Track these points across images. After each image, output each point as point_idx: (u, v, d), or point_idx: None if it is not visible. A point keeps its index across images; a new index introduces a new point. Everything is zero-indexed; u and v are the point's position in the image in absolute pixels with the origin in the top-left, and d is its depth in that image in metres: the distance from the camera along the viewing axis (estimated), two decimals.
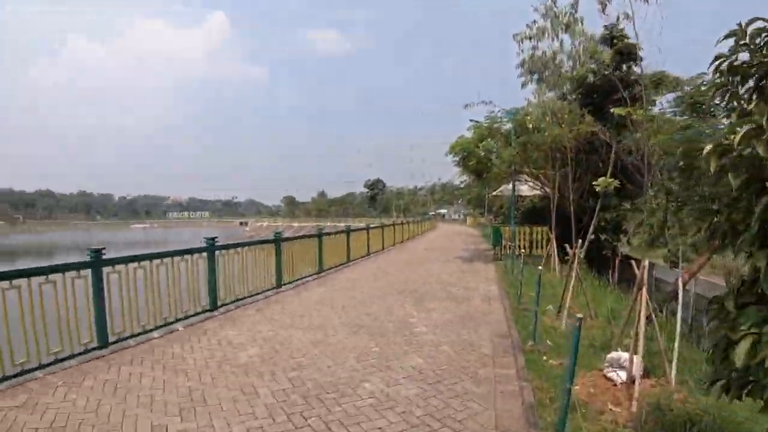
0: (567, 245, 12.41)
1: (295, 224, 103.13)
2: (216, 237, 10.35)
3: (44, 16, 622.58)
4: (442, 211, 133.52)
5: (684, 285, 8.33)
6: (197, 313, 9.60)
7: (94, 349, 7.22)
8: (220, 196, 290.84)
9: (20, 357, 6.11)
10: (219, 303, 10.29)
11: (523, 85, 20.02)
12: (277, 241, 13.07)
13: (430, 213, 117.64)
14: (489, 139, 20.44)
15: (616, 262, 16.31)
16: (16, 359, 6.07)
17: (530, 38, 17.09)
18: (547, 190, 21.20)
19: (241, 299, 11.04)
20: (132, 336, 7.91)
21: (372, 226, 26.66)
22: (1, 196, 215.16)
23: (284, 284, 13.10)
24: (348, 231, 19.55)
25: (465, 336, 8.36)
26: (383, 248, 26.22)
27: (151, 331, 8.29)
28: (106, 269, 7.48)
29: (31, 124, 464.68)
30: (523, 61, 19.21)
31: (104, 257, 7.49)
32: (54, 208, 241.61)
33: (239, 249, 11.23)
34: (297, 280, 14.06)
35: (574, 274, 9.54)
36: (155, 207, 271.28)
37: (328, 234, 17.31)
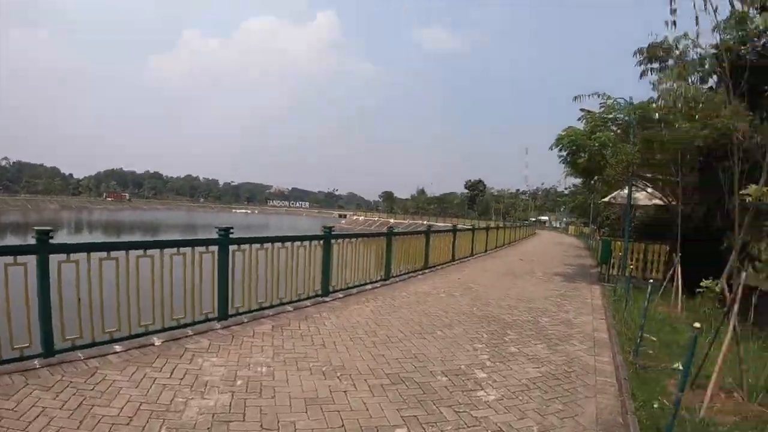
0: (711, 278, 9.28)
1: (392, 220, 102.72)
2: (333, 226, 11.16)
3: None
4: (544, 218, 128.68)
5: None
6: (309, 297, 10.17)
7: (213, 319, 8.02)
8: (323, 188, 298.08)
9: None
10: (331, 289, 10.81)
11: (642, 75, 16.54)
12: (389, 235, 13.48)
13: (531, 219, 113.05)
14: (604, 131, 16.92)
15: (752, 296, 12.55)
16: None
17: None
18: (669, 199, 17.43)
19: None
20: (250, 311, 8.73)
21: (461, 227, 23.78)
22: (111, 176, 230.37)
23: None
24: (427, 233, 16.70)
25: (554, 418, 5.41)
26: (472, 253, 23.18)
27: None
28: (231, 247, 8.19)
29: (151, 114, 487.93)
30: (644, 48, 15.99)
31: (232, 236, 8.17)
32: (161, 189, 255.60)
33: (352, 240, 11.75)
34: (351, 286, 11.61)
35: (730, 330, 6.32)
36: (259, 194, 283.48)
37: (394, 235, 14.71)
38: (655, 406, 5.94)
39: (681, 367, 7.32)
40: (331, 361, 6.64)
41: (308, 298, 10.19)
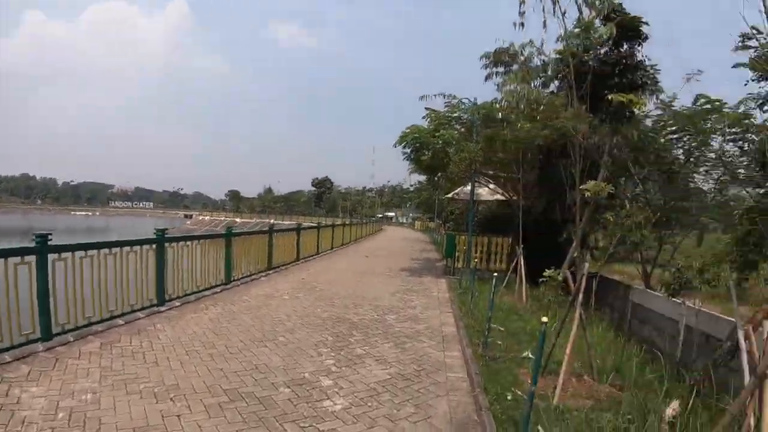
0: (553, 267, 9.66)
1: (238, 220, 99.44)
2: (167, 228, 10.26)
3: None
4: (390, 214, 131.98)
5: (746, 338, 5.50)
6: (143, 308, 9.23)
7: None
8: (168, 187, 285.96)
9: None
10: (167, 297, 9.90)
11: (487, 78, 17.22)
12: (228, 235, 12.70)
13: (378, 215, 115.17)
14: (448, 129, 17.32)
15: (593, 283, 13.38)
16: None
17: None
18: (510, 195, 18.24)
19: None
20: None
21: (304, 225, 23.37)
22: None
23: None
24: (270, 232, 16.15)
25: (406, 423, 5.18)
26: (318, 252, 22.85)
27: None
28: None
29: None
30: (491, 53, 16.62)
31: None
32: None
33: (188, 242, 10.80)
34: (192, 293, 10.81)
35: (576, 318, 6.52)
36: (100, 194, 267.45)
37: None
38: (509, 398, 5.96)
39: (531, 356, 7.53)
40: (164, 381, 5.90)
41: (142, 308, 9.22)
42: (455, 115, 17.85)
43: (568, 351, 6.33)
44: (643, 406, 5.62)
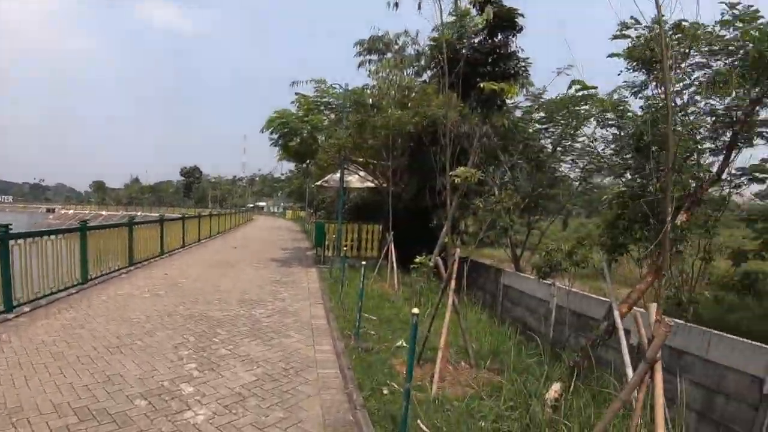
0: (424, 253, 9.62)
1: (104, 212, 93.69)
2: (10, 224, 8.75)
3: None
4: (262, 203, 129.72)
5: (622, 317, 5.77)
6: None
7: None
8: (29, 179, 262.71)
9: None
10: (15, 303, 8.71)
11: (360, 65, 17.42)
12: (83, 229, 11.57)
13: (249, 205, 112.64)
14: (317, 114, 16.86)
15: (464, 267, 13.58)
16: None
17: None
18: (381, 182, 18.12)
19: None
20: None
21: (169, 216, 22.08)
22: None
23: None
24: (130, 225, 15.03)
25: (275, 430, 4.79)
26: (184, 245, 21.66)
27: None
28: None
29: None
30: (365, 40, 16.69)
31: None
32: None
33: (37, 239, 9.55)
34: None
35: (449, 305, 6.37)
36: None
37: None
38: (386, 392, 5.72)
39: (405, 344, 7.36)
40: (7, 402, 5.06)
41: None
42: (325, 100, 17.42)
43: (442, 340, 6.18)
44: (523, 391, 5.57)
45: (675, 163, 5.88)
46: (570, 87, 10.84)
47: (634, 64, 6.76)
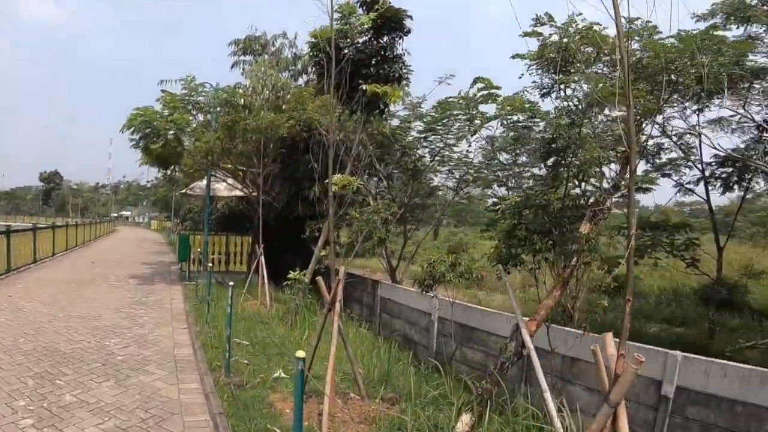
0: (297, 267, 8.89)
1: None
2: None
3: None
4: (126, 213, 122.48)
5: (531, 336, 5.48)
6: None
7: None
8: None
9: None
10: None
11: (234, 65, 17.14)
12: None
13: (113, 215, 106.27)
14: (182, 113, 15.28)
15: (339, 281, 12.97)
16: None
17: None
18: (251, 190, 16.95)
19: None
20: None
21: (14, 228, 19.55)
22: None
23: None
24: None
25: None
26: (35, 260, 19.14)
27: None
28: None
29: None
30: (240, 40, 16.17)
31: None
32: None
33: None
34: None
35: (335, 333, 5.53)
36: None
37: None
38: None
39: (284, 375, 6.53)
40: None
41: None
42: (193, 99, 15.94)
43: (329, 373, 5.30)
44: (428, 425, 4.88)
45: (582, 171, 5.59)
46: (473, 85, 10.45)
47: (545, 63, 6.39)
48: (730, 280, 14.35)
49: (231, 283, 7.37)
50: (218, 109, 15.32)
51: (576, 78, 6.13)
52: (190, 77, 15.34)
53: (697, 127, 11.91)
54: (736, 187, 13.31)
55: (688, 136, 12.54)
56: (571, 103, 6.29)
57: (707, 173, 13.26)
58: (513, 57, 7.16)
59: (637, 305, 10.93)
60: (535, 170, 8.06)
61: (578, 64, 6.03)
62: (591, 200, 5.87)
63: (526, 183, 10.79)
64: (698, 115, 11.56)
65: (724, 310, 13.36)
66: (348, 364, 6.26)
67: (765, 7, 10.57)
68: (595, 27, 6.11)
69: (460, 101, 11.67)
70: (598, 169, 5.62)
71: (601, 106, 6.00)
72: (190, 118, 15.56)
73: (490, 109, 10.77)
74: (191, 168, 18.17)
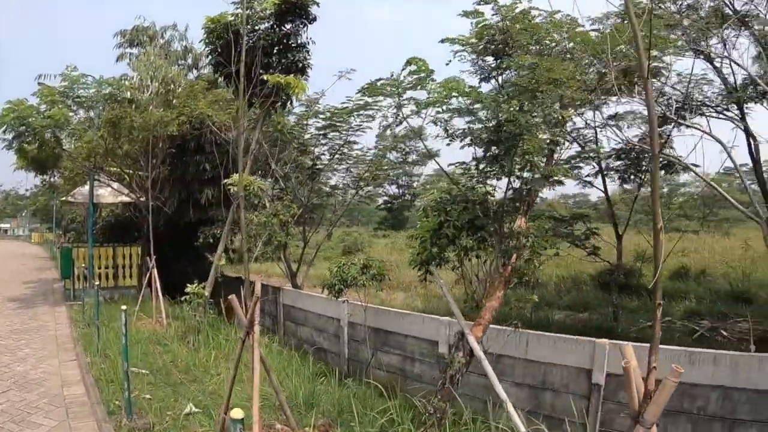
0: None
1: None
2: None
3: None
4: (5, 225, 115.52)
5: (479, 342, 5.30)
6: None
7: None
8: None
9: None
10: None
11: (119, 58, 16.50)
12: None
13: None
14: (61, 108, 13.61)
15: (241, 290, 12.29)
16: None
17: None
18: (138, 195, 15.62)
19: None
20: None
21: None
22: None
23: None
24: None
25: None
26: None
27: None
28: None
29: None
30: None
31: None
32: None
33: None
34: None
35: (257, 362, 4.71)
36: None
37: None
38: None
39: (195, 409, 5.74)
40: None
41: None
42: (73, 93, 14.36)
43: (255, 409, 4.45)
44: None
45: (529, 161, 5.31)
46: (405, 67, 9.94)
47: (485, 45, 6.17)
48: (626, 266, 15.15)
49: (123, 307, 6.24)
50: (101, 105, 14.04)
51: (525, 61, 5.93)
52: (71, 67, 13.87)
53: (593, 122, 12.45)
54: (632, 178, 13.80)
55: (584, 130, 13.00)
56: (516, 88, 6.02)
57: (603, 166, 13.67)
58: (442, 41, 7.05)
59: (538, 293, 11.26)
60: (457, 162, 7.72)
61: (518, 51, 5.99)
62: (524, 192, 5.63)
63: (416, 180, 10.71)
64: (594, 112, 11.92)
65: (623, 293, 14.21)
66: (265, 385, 5.50)
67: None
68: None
69: (388, 87, 11.08)
70: (544, 159, 5.42)
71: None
72: (71, 114, 14.06)
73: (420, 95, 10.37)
74: (72, 172, 16.71)
